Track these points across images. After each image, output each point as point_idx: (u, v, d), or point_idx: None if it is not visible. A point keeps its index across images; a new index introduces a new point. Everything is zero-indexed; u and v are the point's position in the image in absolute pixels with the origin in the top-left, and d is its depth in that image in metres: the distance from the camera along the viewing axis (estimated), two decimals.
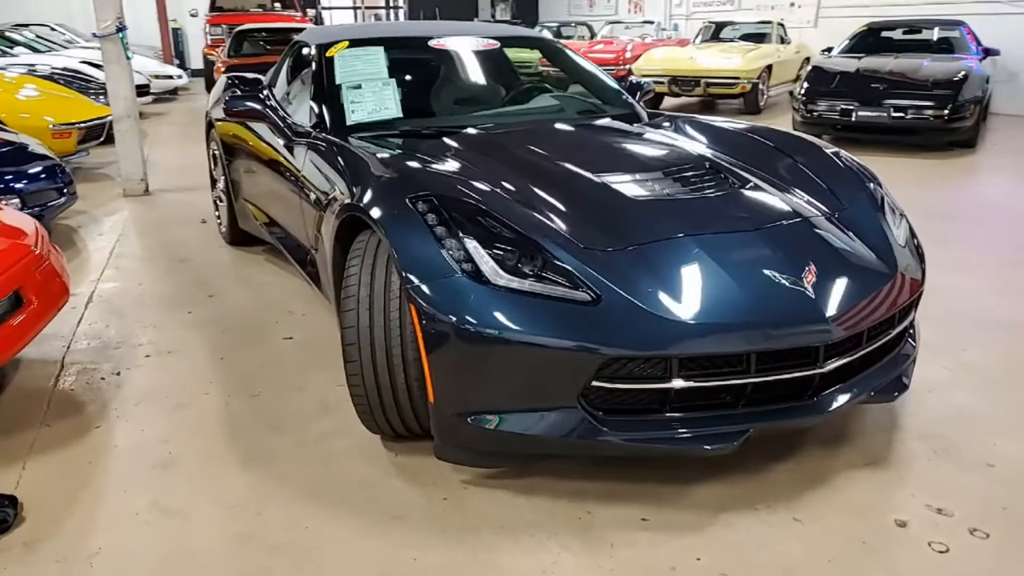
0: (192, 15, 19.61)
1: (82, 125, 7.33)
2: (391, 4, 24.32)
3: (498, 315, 2.13)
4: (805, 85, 8.73)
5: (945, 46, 9.61)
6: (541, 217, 2.42)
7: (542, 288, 2.17)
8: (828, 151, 3.09)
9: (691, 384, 2.17)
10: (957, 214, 5.90)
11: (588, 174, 2.76)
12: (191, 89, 16.17)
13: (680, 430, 2.20)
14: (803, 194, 2.74)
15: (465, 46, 4.07)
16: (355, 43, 3.80)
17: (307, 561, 2.11)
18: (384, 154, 2.96)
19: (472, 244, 2.24)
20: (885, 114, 8.03)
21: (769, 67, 11.51)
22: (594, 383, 2.15)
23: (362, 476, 2.49)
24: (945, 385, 3.02)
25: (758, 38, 12.52)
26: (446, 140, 3.18)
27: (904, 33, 10.06)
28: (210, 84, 15.45)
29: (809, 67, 9.33)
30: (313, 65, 3.78)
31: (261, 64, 7.60)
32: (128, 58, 6.49)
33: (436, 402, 2.26)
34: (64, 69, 10.48)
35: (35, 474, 2.53)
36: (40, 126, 6.90)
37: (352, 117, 3.42)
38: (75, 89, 9.00)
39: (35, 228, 3.31)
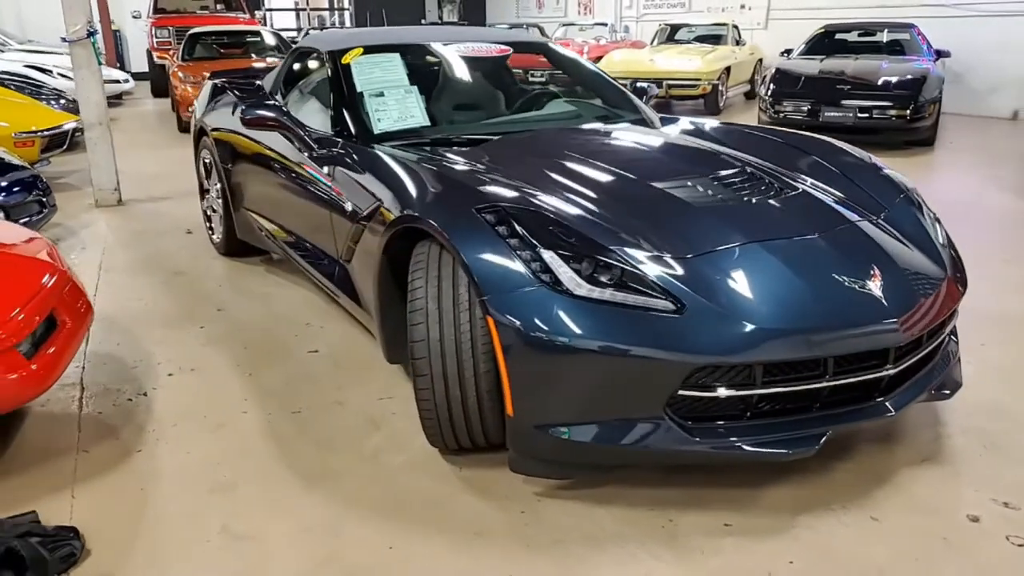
0: (135, 16, 19.01)
1: (46, 133, 7.06)
2: (335, 5, 24.02)
3: (581, 326, 2.14)
4: (772, 87, 8.95)
5: (897, 48, 9.96)
6: (608, 224, 2.42)
7: (623, 297, 2.17)
8: (858, 153, 3.17)
9: (772, 389, 2.21)
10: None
11: (640, 179, 2.78)
12: (135, 93, 15.67)
13: (763, 435, 2.23)
14: (846, 197, 2.81)
15: (479, 52, 4.05)
16: (369, 49, 3.75)
17: None
18: (429, 164, 2.93)
19: (549, 255, 2.24)
20: (850, 114, 8.29)
21: (728, 68, 11.75)
22: (681, 392, 2.17)
23: (431, 492, 2.46)
24: (972, 380, 3.12)
25: (714, 40, 12.75)
26: (482, 147, 3.15)
27: (859, 35, 10.38)
28: (157, 88, 15.05)
29: (772, 69, 9.55)
30: (328, 72, 3.72)
31: (224, 68, 7.47)
32: (100, 63, 6.26)
33: (516, 414, 2.25)
34: (10, 74, 10.05)
35: (86, 502, 2.43)
36: (3, 135, 6.62)
37: (379, 126, 3.37)
38: (27, 95, 8.64)
39: (46, 244, 3.18)
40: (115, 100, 14.40)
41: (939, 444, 2.66)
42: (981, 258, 4.89)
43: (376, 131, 3.35)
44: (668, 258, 2.31)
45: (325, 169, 3.36)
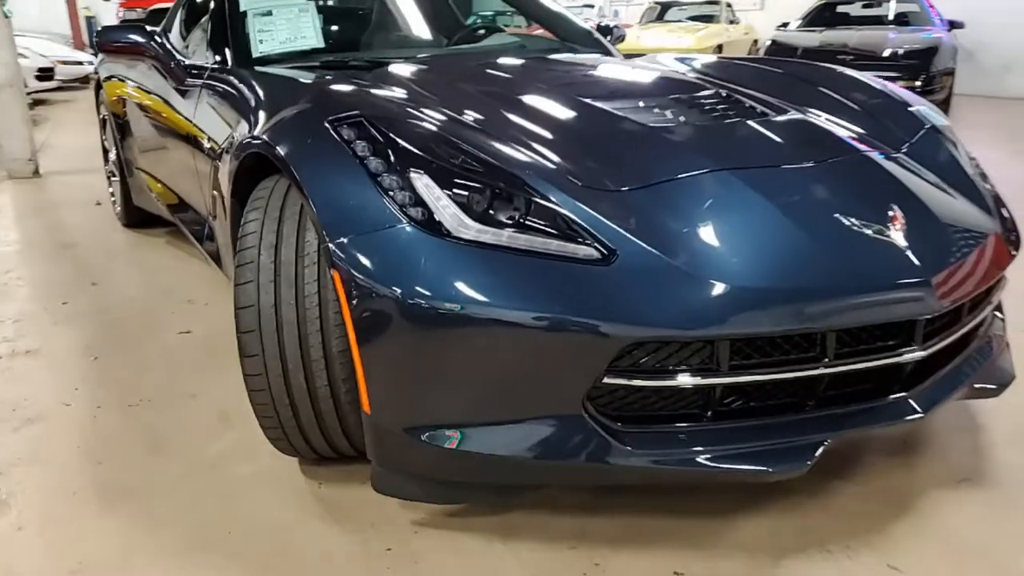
0: None
1: None
2: None
3: (463, 282, 1.44)
4: None
5: (904, 20, 9.24)
6: (521, 147, 1.72)
7: (527, 241, 1.47)
8: (867, 79, 2.45)
9: (745, 378, 1.51)
10: None
11: (579, 97, 2.07)
12: None
13: (731, 444, 1.52)
14: (854, 126, 2.09)
15: None
16: None
17: None
18: (303, 78, 2.24)
19: (424, 181, 1.54)
20: None
21: (720, 47, 11.05)
22: (606, 379, 1.46)
23: (272, 517, 1.76)
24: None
25: (706, 20, 12.06)
26: (382, 69, 2.45)
27: (863, 7, 9.66)
28: None
29: (768, 42, 8.84)
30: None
31: None
32: (7, 15, 5.55)
33: (373, 412, 1.55)
34: None
35: None
36: None
37: (260, 48, 2.66)
38: None
39: None
40: (80, 83, 13.75)
41: (981, 459, 1.96)
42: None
43: (256, 54, 2.64)
44: (599, 190, 1.61)
45: (191, 104, 2.66)
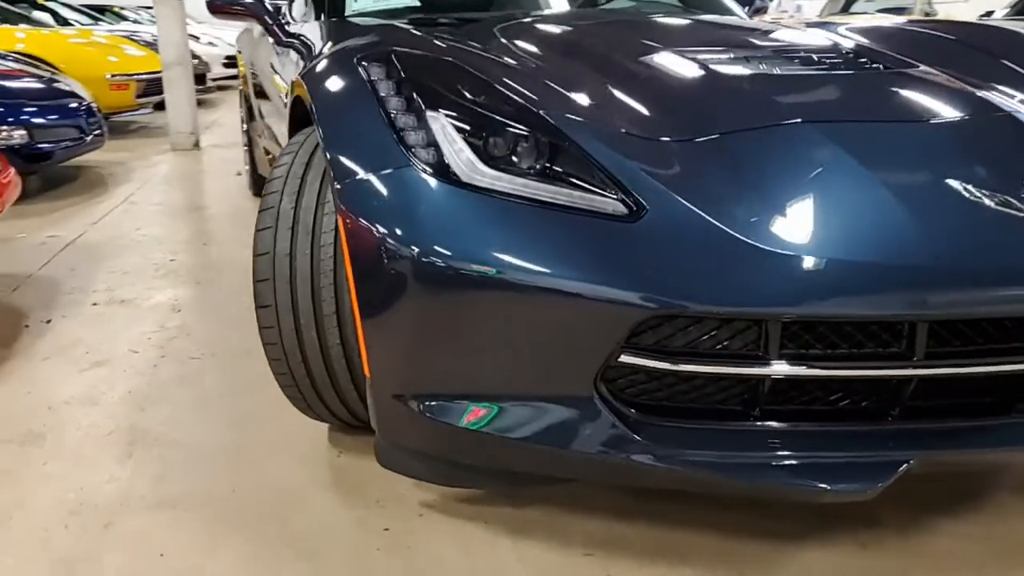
0: None
1: (141, 77, 6.86)
2: None
3: (468, 234, 1.25)
4: None
5: None
6: (571, 92, 1.50)
7: (547, 191, 1.26)
8: None
9: (805, 371, 1.22)
10: None
11: (660, 47, 1.82)
12: None
13: (780, 452, 1.24)
14: (1010, 90, 1.69)
15: None
16: None
17: None
18: (369, 22, 2.13)
19: (440, 122, 1.35)
20: None
21: None
22: (623, 358, 1.22)
23: (281, 480, 1.65)
24: None
25: (898, 12, 11.11)
26: (467, 25, 2.29)
27: None
28: None
29: None
30: None
31: None
32: None
33: (373, 376, 1.39)
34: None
35: None
36: (97, 76, 6.45)
37: (354, 5, 2.58)
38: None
39: None
40: None
41: None
42: None
43: (349, 11, 2.56)
44: (648, 139, 1.37)
45: (283, 62, 2.63)
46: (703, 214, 1.21)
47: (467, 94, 1.42)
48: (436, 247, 1.24)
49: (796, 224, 1.20)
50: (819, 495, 1.20)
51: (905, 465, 1.20)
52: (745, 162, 1.32)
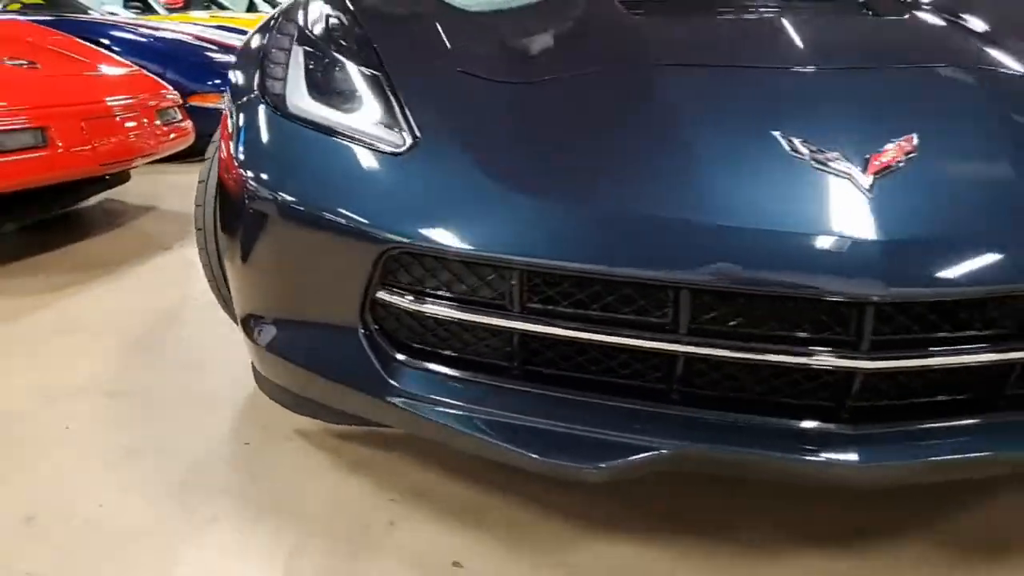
0: None
1: None
2: None
3: (272, 158, 1.31)
4: None
5: None
6: (441, 37, 1.46)
7: (338, 119, 1.26)
8: None
9: (548, 330, 1.10)
10: None
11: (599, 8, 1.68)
12: None
13: (530, 417, 1.13)
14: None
15: None
16: None
17: None
18: None
19: (298, 54, 1.41)
20: None
21: None
22: (380, 294, 1.19)
23: (243, 435, 1.64)
24: None
25: None
26: None
27: None
28: None
29: None
30: None
31: None
32: None
33: (233, 294, 1.49)
34: None
35: None
36: None
37: None
38: None
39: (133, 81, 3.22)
40: None
41: None
42: None
43: None
44: (482, 80, 1.31)
45: None
46: (466, 154, 1.15)
47: (337, 33, 1.45)
48: (249, 171, 1.30)
49: (560, 173, 1.11)
50: (532, 464, 1.09)
51: (651, 453, 1.05)
52: (555, 106, 1.22)
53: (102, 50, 3.65)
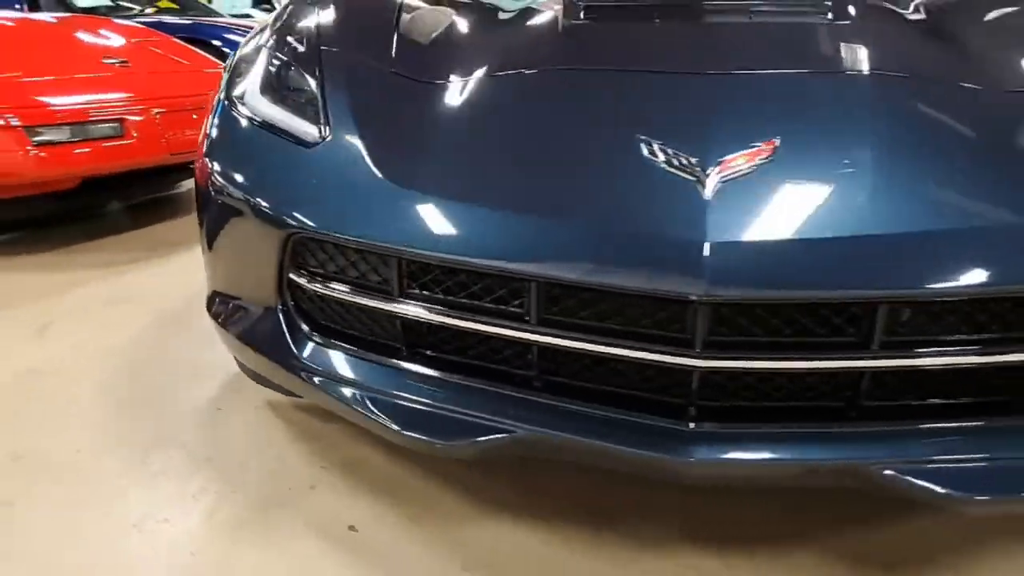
0: None
1: None
2: None
3: (226, 153, 1.45)
4: None
5: None
6: (402, 41, 1.57)
7: (280, 117, 1.39)
8: None
9: (424, 315, 1.19)
10: None
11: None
12: None
13: (413, 397, 1.22)
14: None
15: None
16: None
17: None
18: None
19: (263, 58, 1.55)
20: None
21: None
22: (291, 276, 1.31)
23: (214, 399, 1.87)
24: None
25: None
26: None
27: None
28: None
29: None
30: None
31: None
32: None
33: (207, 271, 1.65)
34: None
35: None
36: None
37: None
38: None
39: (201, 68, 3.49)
40: None
41: None
42: None
43: None
44: (407, 79, 1.41)
45: None
46: (364, 149, 1.24)
47: (297, 38, 1.58)
48: (207, 160, 1.46)
49: (437, 168, 1.18)
50: (394, 436, 1.17)
51: (503, 435, 1.11)
52: (454, 105, 1.30)
53: (197, 50, 3.97)
